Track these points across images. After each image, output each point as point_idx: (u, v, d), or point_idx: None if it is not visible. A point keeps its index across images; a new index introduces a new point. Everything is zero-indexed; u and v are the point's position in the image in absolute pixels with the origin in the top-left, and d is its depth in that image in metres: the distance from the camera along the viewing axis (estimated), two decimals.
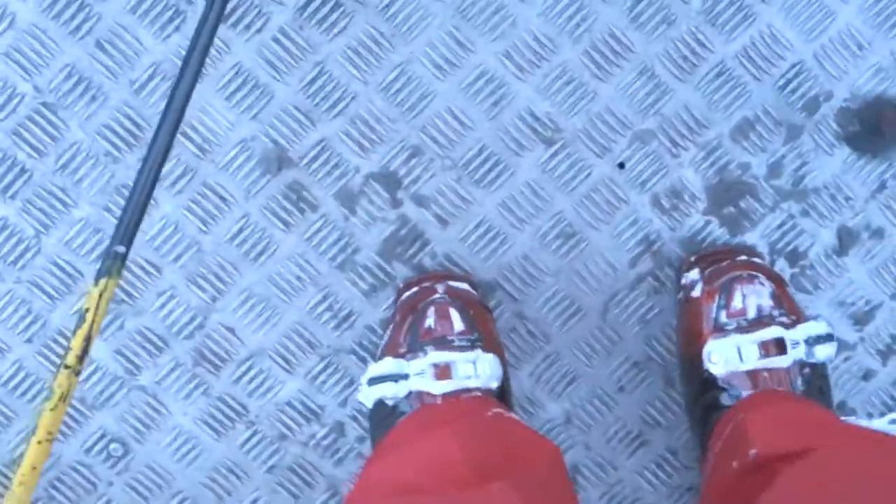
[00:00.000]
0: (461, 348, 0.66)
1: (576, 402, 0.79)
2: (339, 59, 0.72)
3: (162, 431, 0.77)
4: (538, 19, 0.72)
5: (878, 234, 0.78)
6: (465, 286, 0.72)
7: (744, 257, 0.73)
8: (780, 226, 0.77)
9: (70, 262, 0.73)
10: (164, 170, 0.71)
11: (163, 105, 0.60)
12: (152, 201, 0.72)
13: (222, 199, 0.73)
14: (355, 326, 0.76)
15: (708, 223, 0.77)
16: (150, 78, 0.71)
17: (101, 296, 0.44)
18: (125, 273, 0.73)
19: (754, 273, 0.68)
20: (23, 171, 0.72)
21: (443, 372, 0.65)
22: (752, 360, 0.65)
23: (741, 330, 0.66)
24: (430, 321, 0.67)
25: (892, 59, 0.75)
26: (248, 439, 0.78)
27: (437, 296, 0.68)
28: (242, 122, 0.72)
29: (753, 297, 0.67)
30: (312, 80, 0.72)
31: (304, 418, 0.78)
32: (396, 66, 0.72)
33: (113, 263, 0.44)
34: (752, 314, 0.67)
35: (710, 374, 0.66)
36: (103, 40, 0.70)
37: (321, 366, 0.77)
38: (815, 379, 0.66)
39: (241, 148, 0.73)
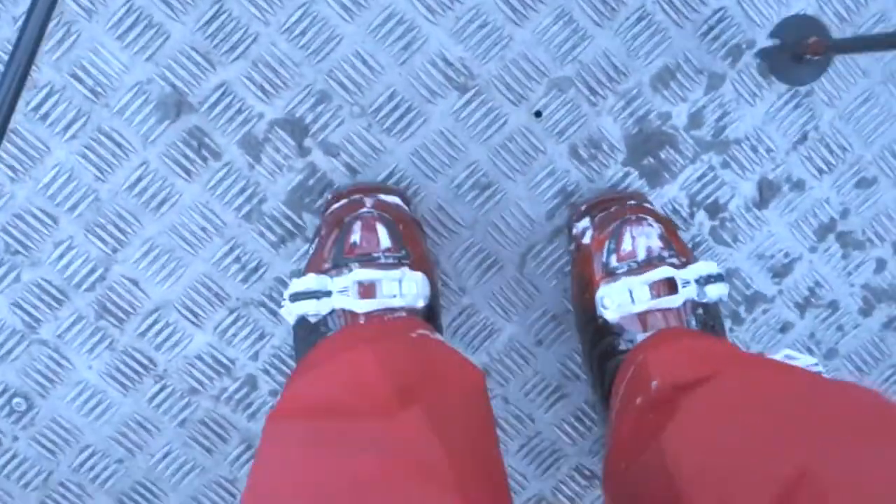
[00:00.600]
0: (387, 266, 0.63)
1: (493, 355, 0.78)
2: None
3: (66, 386, 0.75)
4: None
5: (798, 186, 0.77)
6: (395, 199, 0.69)
7: (633, 202, 0.71)
8: (700, 178, 0.76)
9: None
10: (56, 113, 0.68)
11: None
12: (44, 147, 0.69)
13: (118, 145, 0.70)
14: (264, 278, 0.74)
15: (627, 174, 0.75)
16: None
17: None
18: (16, 222, 0.70)
19: (643, 215, 0.67)
20: None
21: (367, 290, 0.62)
22: (644, 302, 0.64)
23: (632, 272, 0.65)
24: (355, 236, 0.64)
25: (817, 6, 0.73)
26: (157, 393, 0.76)
27: (364, 210, 0.65)
28: (137, 64, 0.69)
29: (642, 238, 0.66)
30: (211, 20, 0.68)
31: (215, 372, 0.76)
32: (300, 6, 0.69)
33: None
34: (641, 256, 0.66)
35: (605, 321, 0.65)
36: None
37: (230, 319, 0.75)
38: (708, 318, 0.65)
39: (137, 91, 0.69)
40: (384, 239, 0.64)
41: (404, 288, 0.63)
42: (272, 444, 0.50)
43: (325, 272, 0.64)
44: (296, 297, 0.63)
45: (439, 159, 0.73)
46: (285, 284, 0.74)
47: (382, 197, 0.68)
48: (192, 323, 0.74)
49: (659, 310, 0.64)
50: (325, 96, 0.71)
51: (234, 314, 0.75)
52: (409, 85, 0.71)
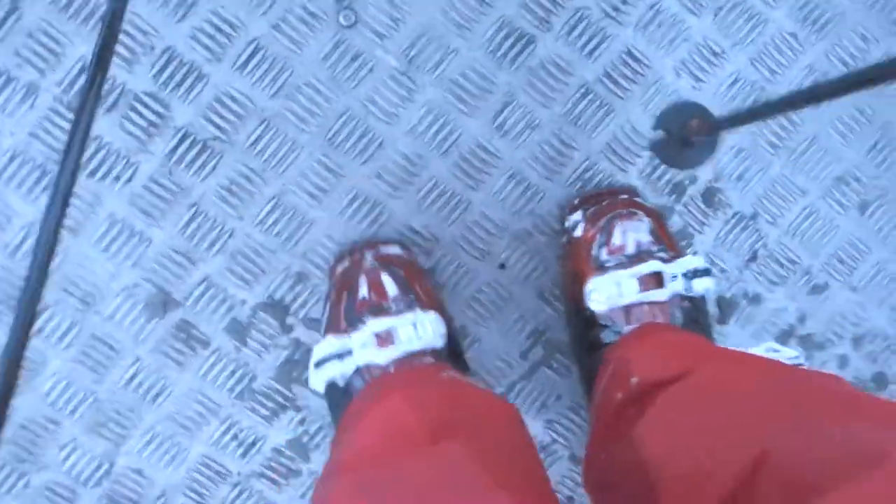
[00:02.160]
0: (399, 312, 0.64)
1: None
2: (213, 198, 0.73)
3: None
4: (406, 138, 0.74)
5: (755, 300, 0.82)
6: (394, 249, 0.70)
7: (625, 196, 0.73)
8: None
9: None
10: (50, 326, 0.72)
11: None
12: (42, 358, 0.73)
13: (111, 347, 0.74)
14: (262, 451, 0.78)
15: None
16: (24, 240, 0.71)
17: None
18: (21, 432, 0.73)
19: (634, 210, 0.68)
20: None
21: (385, 339, 0.62)
22: (632, 295, 0.65)
23: (621, 266, 0.67)
24: (363, 291, 0.65)
25: (750, 139, 0.79)
26: None
27: (366, 264, 0.66)
28: (123, 271, 0.73)
29: (632, 233, 0.68)
30: (188, 222, 0.73)
31: None
32: (270, 199, 0.74)
33: None
34: (631, 250, 0.67)
35: (592, 313, 0.67)
36: None
37: (234, 493, 0.78)
38: (694, 312, 0.67)
39: (125, 296, 0.73)
40: (391, 287, 0.65)
41: (420, 330, 0.63)
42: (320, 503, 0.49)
43: (343, 332, 0.65)
44: (320, 364, 0.63)
45: None
46: (283, 453, 0.78)
47: (381, 248, 0.70)
48: (198, 503, 0.78)
49: (646, 303, 0.65)
50: (302, 276, 0.75)
51: (237, 488, 0.78)
52: None
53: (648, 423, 0.52)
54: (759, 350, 0.63)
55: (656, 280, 0.66)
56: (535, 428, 0.80)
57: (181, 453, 0.76)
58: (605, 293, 0.66)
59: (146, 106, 0.71)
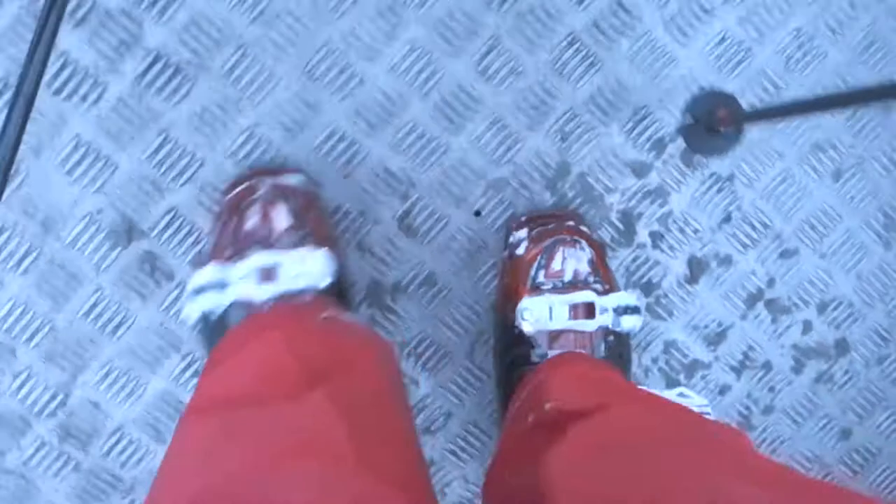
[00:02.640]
0: (287, 246, 0.61)
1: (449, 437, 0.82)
2: (184, 125, 0.70)
3: None
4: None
5: (725, 261, 0.82)
6: (295, 179, 0.67)
7: (571, 223, 0.73)
8: (633, 260, 0.81)
9: None
10: (8, 249, 0.70)
11: None
12: None
13: (71, 275, 0.71)
14: None
15: None
16: None
17: None
18: None
19: (577, 238, 0.69)
20: None
21: (268, 275, 0.60)
22: (562, 321, 0.66)
23: (556, 290, 0.68)
24: (253, 220, 0.62)
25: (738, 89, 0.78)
26: None
27: (261, 192, 0.63)
28: (86, 196, 0.70)
29: (573, 260, 0.68)
30: (157, 149, 0.70)
31: None
32: (244, 131, 0.71)
33: None
34: (568, 277, 0.68)
35: (521, 332, 0.68)
36: None
37: None
38: (618, 346, 0.69)
39: (88, 222, 0.71)
40: (284, 219, 0.62)
41: (307, 266, 0.61)
42: (182, 441, 0.48)
43: (225, 260, 0.62)
44: (198, 292, 0.61)
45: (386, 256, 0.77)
46: None
47: (283, 177, 0.66)
48: (155, 439, 0.76)
49: (573, 331, 0.67)
50: None
51: None
52: (353, 196, 0.74)
53: (554, 457, 0.53)
54: (671, 394, 0.65)
55: (587, 310, 0.67)
56: None
57: (140, 387, 0.75)
58: (535, 314, 0.67)
59: (117, 23, 0.67)
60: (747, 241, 0.82)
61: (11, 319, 0.71)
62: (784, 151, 0.80)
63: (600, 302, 0.67)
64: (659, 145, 0.78)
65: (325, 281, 0.62)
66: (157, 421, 0.76)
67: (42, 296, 0.71)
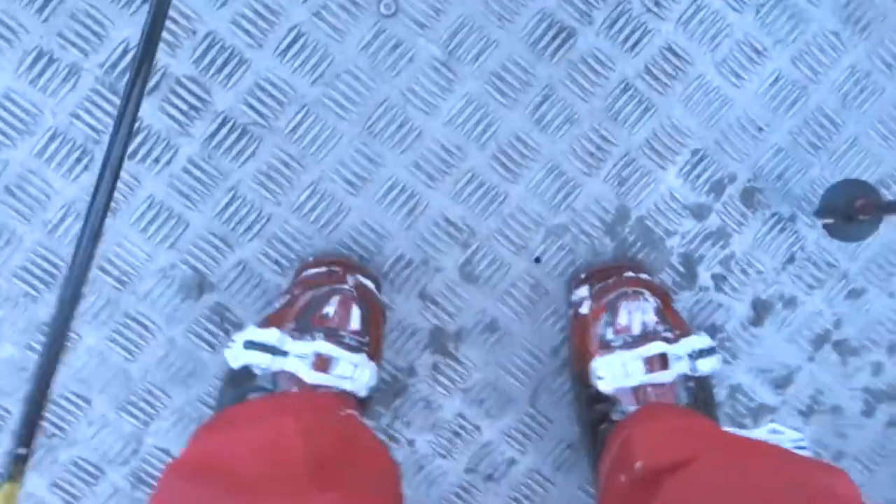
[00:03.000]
0: (350, 347, 0.64)
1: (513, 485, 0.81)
2: (251, 183, 0.73)
3: None
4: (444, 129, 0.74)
5: (791, 303, 0.81)
6: (372, 286, 0.70)
7: (630, 273, 0.73)
8: (696, 303, 0.80)
9: None
10: (86, 304, 0.73)
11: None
12: (75, 335, 0.73)
13: (144, 327, 0.74)
14: None
15: None
16: (63, 218, 0.72)
17: (6, 502, 0.44)
18: (52, 407, 0.74)
19: (639, 290, 0.68)
20: None
21: (323, 364, 0.62)
22: (638, 376, 0.66)
23: (626, 346, 0.67)
24: (330, 309, 0.64)
25: (790, 139, 0.78)
26: None
27: (345, 286, 0.65)
28: (160, 252, 0.73)
29: (638, 313, 0.68)
30: (226, 206, 0.73)
31: None
32: (308, 186, 0.74)
33: (15, 467, 0.45)
34: (636, 330, 0.67)
35: (598, 391, 0.67)
36: (12, 186, 0.71)
37: None
38: (700, 391, 0.68)
39: (161, 276, 0.74)
40: (355, 321, 0.64)
41: (357, 373, 0.63)
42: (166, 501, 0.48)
43: (289, 332, 0.64)
44: (250, 346, 0.63)
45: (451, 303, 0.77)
46: None
47: (362, 279, 0.68)
48: None
49: (651, 385, 0.66)
50: None
51: None
52: (415, 246, 0.76)
53: None
54: (761, 432, 0.63)
55: (661, 361, 0.66)
56: (562, 426, 0.80)
57: None
58: (610, 373, 0.66)
59: (187, 90, 0.71)
60: (813, 282, 0.81)
61: (87, 371, 0.74)
62: None
63: (672, 350, 0.67)
64: (718, 187, 0.78)
65: (364, 392, 0.64)
66: None
67: (116, 348, 0.74)
